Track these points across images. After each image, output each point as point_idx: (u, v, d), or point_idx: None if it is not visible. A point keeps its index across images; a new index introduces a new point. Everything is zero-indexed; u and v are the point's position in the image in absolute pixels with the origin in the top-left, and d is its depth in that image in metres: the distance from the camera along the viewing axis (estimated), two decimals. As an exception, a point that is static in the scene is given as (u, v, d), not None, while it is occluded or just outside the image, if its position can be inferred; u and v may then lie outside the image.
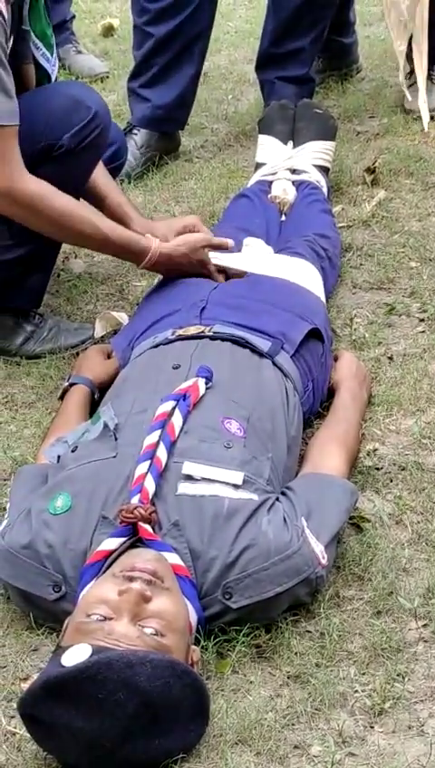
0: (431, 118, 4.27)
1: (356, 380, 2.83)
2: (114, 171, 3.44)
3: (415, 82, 4.25)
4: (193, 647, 2.10)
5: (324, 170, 3.72)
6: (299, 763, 1.97)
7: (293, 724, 2.04)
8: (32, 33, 2.97)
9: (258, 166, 3.74)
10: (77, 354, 3.08)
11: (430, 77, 4.29)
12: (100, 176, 3.08)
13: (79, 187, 2.96)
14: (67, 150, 2.88)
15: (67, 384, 2.85)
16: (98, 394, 2.81)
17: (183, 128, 4.23)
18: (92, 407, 2.78)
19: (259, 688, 2.11)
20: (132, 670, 1.87)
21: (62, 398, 2.84)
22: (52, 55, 3.08)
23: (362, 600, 2.29)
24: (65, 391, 2.83)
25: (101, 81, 4.86)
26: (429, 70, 4.24)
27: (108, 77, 4.91)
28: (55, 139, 2.87)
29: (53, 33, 3.10)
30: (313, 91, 4.28)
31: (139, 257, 2.97)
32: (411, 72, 4.32)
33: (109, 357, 2.94)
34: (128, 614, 2.00)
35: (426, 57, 4.18)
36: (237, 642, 2.18)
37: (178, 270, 3.01)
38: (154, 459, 2.25)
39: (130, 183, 3.96)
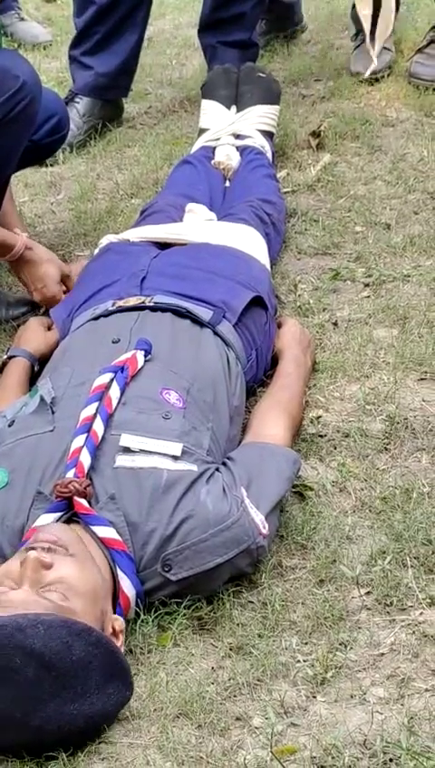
0: (377, 80, 4.25)
1: (300, 347, 2.81)
2: (56, 144, 3.39)
3: (361, 44, 4.23)
4: (116, 616, 2.07)
5: (269, 135, 3.69)
6: (241, 735, 1.95)
7: (234, 696, 2.02)
8: None
9: (202, 131, 3.70)
10: (18, 326, 3.03)
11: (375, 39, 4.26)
12: (9, 208, 3.10)
13: (10, 159, 2.91)
14: None
15: (6, 357, 2.81)
16: (38, 367, 2.78)
17: (127, 95, 4.19)
18: (33, 379, 2.74)
19: (201, 661, 2.10)
20: (24, 633, 1.84)
21: (1, 371, 2.80)
22: None
23: (305, 569, 2.27)
24: (4, 364, 2.80)
25: (44, 49, 4.81)
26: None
27: (51, 45, 4.84)
28: None
29: None
30: (256, 55, 4.23)
31: (3, 249, 2.99)
32: (357, 34, 4.30)
33: (50, 329, 2.90)
34: (27, 581, 1.96)
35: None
36: (178, 615, 2.16)
37: (31, 270, 3.03)
38: (90, 432, 2.22)
39: (72, 152, 3.92)
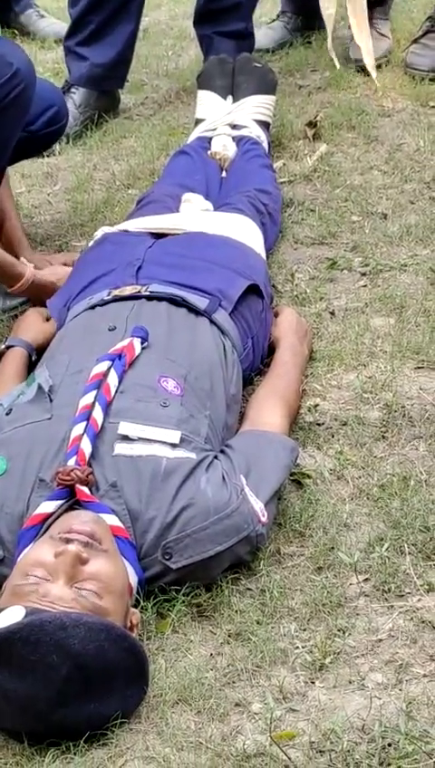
0: (378, 66, 4.22)
1: (296, 336, 2.81)
2: (54, 135, 3.38)
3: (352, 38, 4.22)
4: (133, 609, 2.09)
5: (265, 125, 3.69)
6: (240, 721, 1.96)
7: (233, 682, 2.03)
8: None
9: (198, 122, 3.70)
10: (15, 317, 3.04)
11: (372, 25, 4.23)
12: (6, 197, 3.08)
13: (4, 148, 2.90)
14: None
15: (4, 347, 2.82)
16: (36, 356, 2.79)
17: (122, 85, 4.19)
18: (30, 369, 2.74)
19: (199, 647, 2.11)
20: (66, 632, 1.86)
21: (-2, 361, 2.81)
22: None
23: (303, 557, 2.28)
24: (2, 354, 2.80)
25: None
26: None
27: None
28: None
29: None
30: (252, 46, 4.22)
31: (12, 281, 2.99)
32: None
33: (48, 319, 2.91)
34: (64, 576, 1.98)
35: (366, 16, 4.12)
36: (177, 602, 2.17)
37: (43, 297, 2.99)
38: (90, 420, 2.23)
39: (68, 143, 3.92)
